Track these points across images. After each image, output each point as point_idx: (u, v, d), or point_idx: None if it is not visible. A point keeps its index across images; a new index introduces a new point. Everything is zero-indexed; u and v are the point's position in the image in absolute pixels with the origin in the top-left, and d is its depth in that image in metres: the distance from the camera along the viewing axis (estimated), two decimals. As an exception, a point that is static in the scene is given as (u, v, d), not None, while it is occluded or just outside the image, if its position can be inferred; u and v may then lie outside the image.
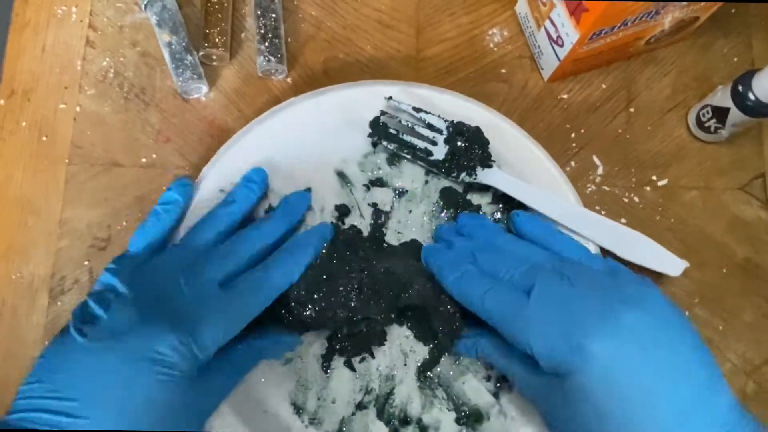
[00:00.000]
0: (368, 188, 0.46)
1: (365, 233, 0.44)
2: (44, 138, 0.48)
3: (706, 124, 0.48)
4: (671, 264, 0.43)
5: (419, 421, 0.41)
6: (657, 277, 0.46)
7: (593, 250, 0.44)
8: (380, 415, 0.42)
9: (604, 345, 0.32)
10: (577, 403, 0.33)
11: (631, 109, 0.51)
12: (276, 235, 0.41)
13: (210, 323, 0.35)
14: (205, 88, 0.49)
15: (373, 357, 0.42)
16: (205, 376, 0.35)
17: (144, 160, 0.48)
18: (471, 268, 0.40)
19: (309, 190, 0.44)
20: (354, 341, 0.42)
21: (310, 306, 0.39)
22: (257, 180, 0.42)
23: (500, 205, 0.46)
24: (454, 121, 0.45)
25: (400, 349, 0.43)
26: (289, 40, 0.51)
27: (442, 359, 0.43)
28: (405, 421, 0.41)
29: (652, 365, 0.32)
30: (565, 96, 0.51)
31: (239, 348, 0.38)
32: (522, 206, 0.45)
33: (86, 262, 0.46)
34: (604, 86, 0.51)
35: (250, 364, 0.40)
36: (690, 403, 0.31)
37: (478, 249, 0.41)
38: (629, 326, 0.33)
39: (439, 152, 0.45)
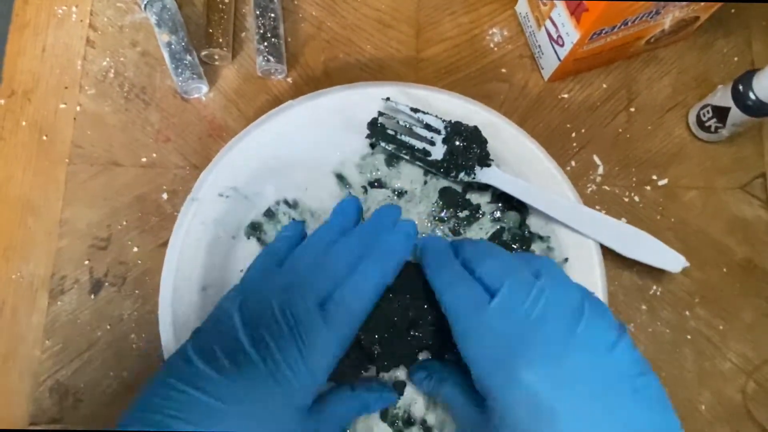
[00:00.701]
0: (367, 190, 0.46)
1: None
2: (44, 138, 0.48)
3: (707, 124, 0.48)
4: (671, 260, 0.43)
5: (423, 422, 0.41)
6: (658, 273, 0.46)
7: (593, 247, 0.44)
8: (384, 416, 0.41)
9: (539, 382, 0.29)
10: None
11: (632, 109, 0.51)
12: (362, 247, 0.38)
13: (318, 346, 0.33)
14: (204, 88, 0.49)
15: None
16: (314, 418, 0.34)
17: (144, 159, 0.48)
18: (454, 263, 0.37)
19: (355, 198, 0.43)
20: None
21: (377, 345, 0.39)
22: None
23: (499, 204, 0.46)
24: (452, 121, 0.45)
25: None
26: (289, 39, 0.51)
27: (445, 359, 0.43)
28: (409, 422, 0.41)
29: (587, 410, 0.29)
30: (566, 96, 0.51)
31: (346, 397, 0.38)
32: (522, 204, 0.45)
33: (86, 262, 0.46)
34: (604, 86, 0.51)
35: (353, 415, 0.39)
36: None
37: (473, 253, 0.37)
38: (572, 369, 0.30)
39: (438, 152, 0.45)
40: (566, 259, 0.44)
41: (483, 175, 0.44)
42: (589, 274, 0.43)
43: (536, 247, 0.45)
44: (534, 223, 0.45)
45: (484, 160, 0.44)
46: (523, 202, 0.44)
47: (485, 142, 0.44)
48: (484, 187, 0.46)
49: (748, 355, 0.46)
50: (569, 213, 0.44)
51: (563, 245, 0.44)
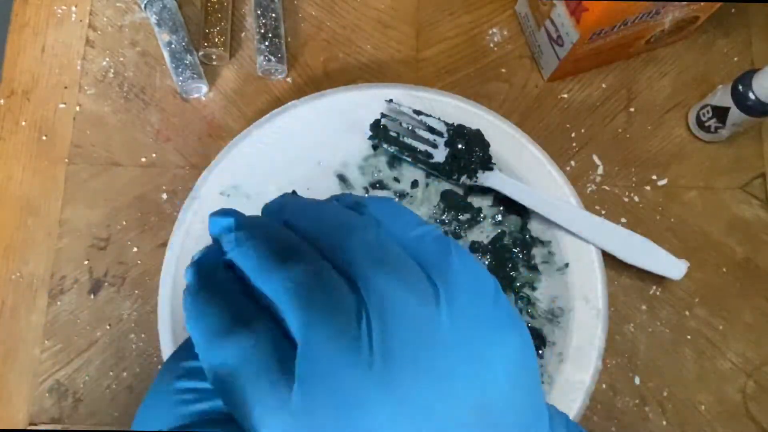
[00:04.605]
0: (368, 191, 0.46)
1: None
2: (44, 138, 0.48)
3: (707, 124, 0.48)
4: (673, 267, 0.44)
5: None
6: (659, 279, 0.46)
7: (594, 252, 0.44)
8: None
9: None
10: None
11: (631, 109, 0.51)
12: None
13: None
14: (204, 88, 0.49)
15: None
16: None
17: (144, 159, 0.48)
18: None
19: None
20: None
21: None
22: None
23: (501, 208, 0.46)
24: (455, 124, 0.45)
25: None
26: (288, 39, 0.51)
27: None
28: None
29: None
30: (566, 95, 0.51)
31: None
32: (523, 209, 0.45)
33: (86, 262, 0.46)
34: (604, 86, 0.51)
35: None
36: None
37: None
38: None
39: (440, 155, 0.45)
40: (567, 264, 0.44)
41: (485, 178, 0.44)
42: (590, 279, 0.43)
43: (537, 252, 0.45)
44: (535, 228, 0.45)
45: (487, 164, 0.44)
46: (524, 206, 0.44)
47: (488, 145, 0.44)
48: (485, 191, 0.46)
49: (748, 355, 0.46)
50: (571, 218, 0.44)
51: (564, 250, 0.44)
